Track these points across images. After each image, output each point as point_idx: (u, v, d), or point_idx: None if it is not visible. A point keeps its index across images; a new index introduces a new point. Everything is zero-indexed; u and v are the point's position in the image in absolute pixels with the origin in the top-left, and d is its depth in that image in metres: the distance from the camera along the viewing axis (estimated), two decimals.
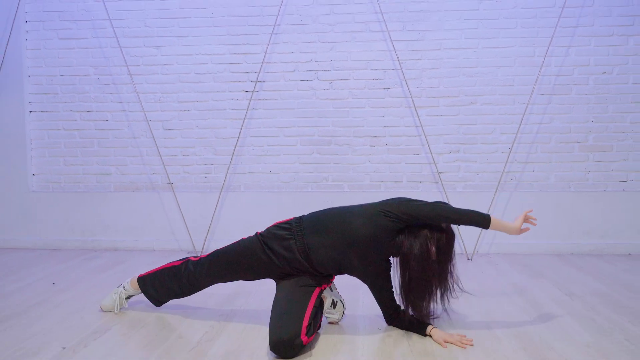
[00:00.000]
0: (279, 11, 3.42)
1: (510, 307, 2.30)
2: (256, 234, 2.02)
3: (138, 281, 2.16)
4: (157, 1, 3.54)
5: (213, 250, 2.10)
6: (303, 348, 1.79)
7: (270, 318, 1.81)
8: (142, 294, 2.19)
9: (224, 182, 3.51)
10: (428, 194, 3.46)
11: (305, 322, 1.77)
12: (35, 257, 3.39)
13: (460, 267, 3.02)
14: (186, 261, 2.09)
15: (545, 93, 3.39)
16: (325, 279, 1.99)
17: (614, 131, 3.37)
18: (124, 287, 2.21)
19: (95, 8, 3.57)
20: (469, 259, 3.28)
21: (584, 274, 2.89)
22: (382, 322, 2.08)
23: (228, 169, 3.52)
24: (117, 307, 2.19)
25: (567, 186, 3.43)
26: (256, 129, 3.55)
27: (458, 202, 3.39)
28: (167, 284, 2.10)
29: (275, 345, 1.71)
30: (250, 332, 2.00)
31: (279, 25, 3.47)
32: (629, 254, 3.34)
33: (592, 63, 3.36)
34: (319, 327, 1.93)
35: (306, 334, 1.76)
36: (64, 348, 1.85)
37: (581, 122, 3.39)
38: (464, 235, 3.39)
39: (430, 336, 1.91)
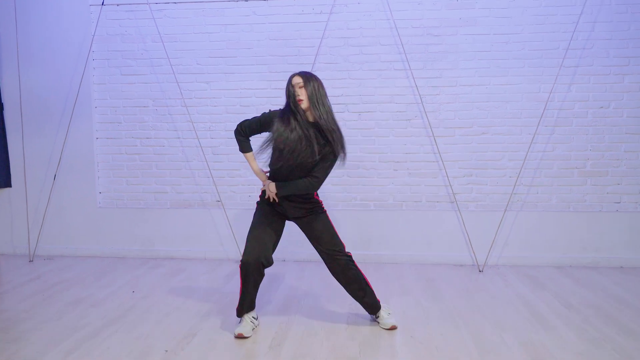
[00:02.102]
0: (317, 51, 3.78)
1: (517, 317, 2.68)
2: None
3: (237, 312, 2.50)
4: (207, 42, 3.91)
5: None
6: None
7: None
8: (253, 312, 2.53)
9: None
10: (444, 213, 3.82)
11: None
12: (107, 264, 3.83)
13: (472, 278, 3.43)
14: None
15: (549, 125, 3.72)
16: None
17: (610, 159, 3.70)
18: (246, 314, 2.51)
19: (153, 48, 3.95)
20: (480, 271, 3.65)
21: (580, 286, 3.25)
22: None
23: None
24: (250, 329, 2.44)
25: (567, 206, 3.77)
26: None
27: (470, 220, 3.76)
28: (245, 288, 2.44)
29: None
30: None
31: (314, 63, 3.83)
32: (621, 267, 3.69)
33: (591, 98, 3.69)
34: None
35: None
36: (166, 351, 2.26)
37: (580, 150, 3.72)
38: (476, 248, 3.76)
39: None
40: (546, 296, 3.04)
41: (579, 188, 3.74)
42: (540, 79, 3.70)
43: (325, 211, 2.57)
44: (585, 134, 3.71)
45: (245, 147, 2.51)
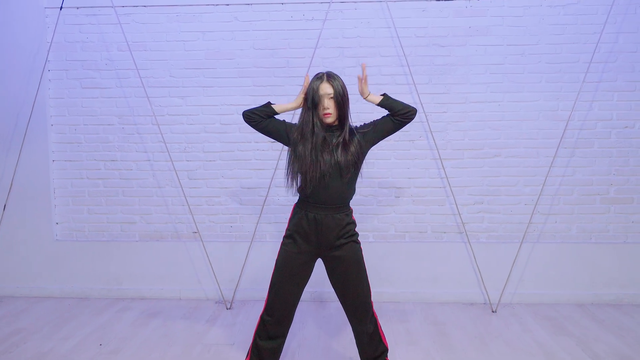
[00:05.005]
0: (310, 63, 3.73)
1: None
2: None
3: None
4: (183, 52, 3.85)
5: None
6: None
7: None
8: None
9: (254, 232, 3.85)
10: (452, 245, 3.82)
11: None
12: (67, 307, 3.73)
13: (485, 320, 3.43)
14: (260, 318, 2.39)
15: (568, 146, 3.75)
16: None
17: (635, 184, 3.74)
18: None
19: (119, 57, 3.87)
20: (493, 311, 3.65)
21: (605, 329, 3.28)
22: None
23: (259, 218, 3.85)
24: None
25: (589, 237, 3.81)
26: (281, 179, 3.88)
27: (481, 252, 3.79)
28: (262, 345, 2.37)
29: None
30: None
31: (304, 76, 3.78)
32: None
33: (614, 117, 3.72)
34: None
35: None
36: None
37: (603, 175, 3.76)
38: (488, 285, 3.77)
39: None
40: (568, 344, 3.06)
41: (602, 217, 3.78)
42: (559, 96, 3.72)
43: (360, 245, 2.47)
44: (608, 157, 3.74)
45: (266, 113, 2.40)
